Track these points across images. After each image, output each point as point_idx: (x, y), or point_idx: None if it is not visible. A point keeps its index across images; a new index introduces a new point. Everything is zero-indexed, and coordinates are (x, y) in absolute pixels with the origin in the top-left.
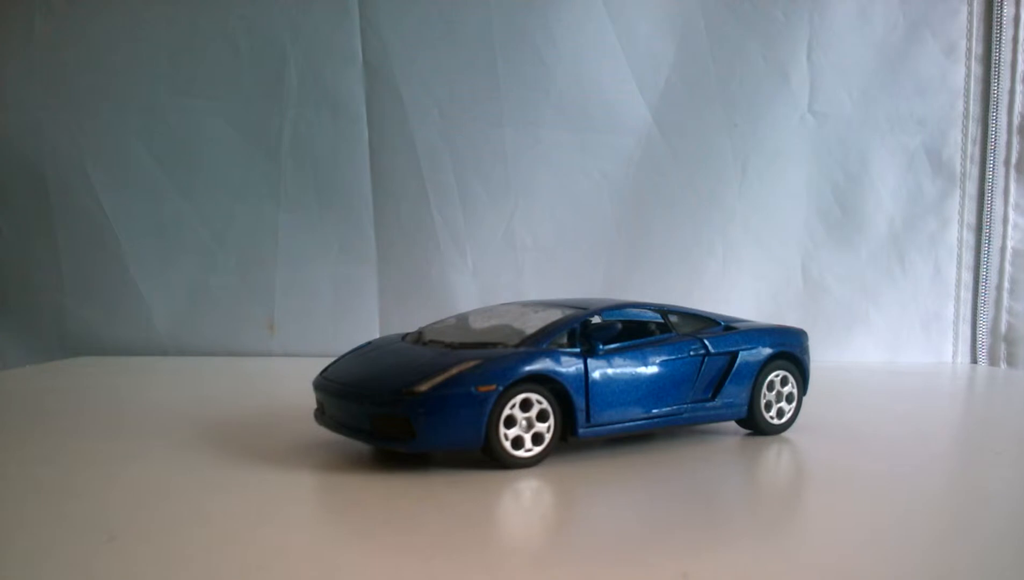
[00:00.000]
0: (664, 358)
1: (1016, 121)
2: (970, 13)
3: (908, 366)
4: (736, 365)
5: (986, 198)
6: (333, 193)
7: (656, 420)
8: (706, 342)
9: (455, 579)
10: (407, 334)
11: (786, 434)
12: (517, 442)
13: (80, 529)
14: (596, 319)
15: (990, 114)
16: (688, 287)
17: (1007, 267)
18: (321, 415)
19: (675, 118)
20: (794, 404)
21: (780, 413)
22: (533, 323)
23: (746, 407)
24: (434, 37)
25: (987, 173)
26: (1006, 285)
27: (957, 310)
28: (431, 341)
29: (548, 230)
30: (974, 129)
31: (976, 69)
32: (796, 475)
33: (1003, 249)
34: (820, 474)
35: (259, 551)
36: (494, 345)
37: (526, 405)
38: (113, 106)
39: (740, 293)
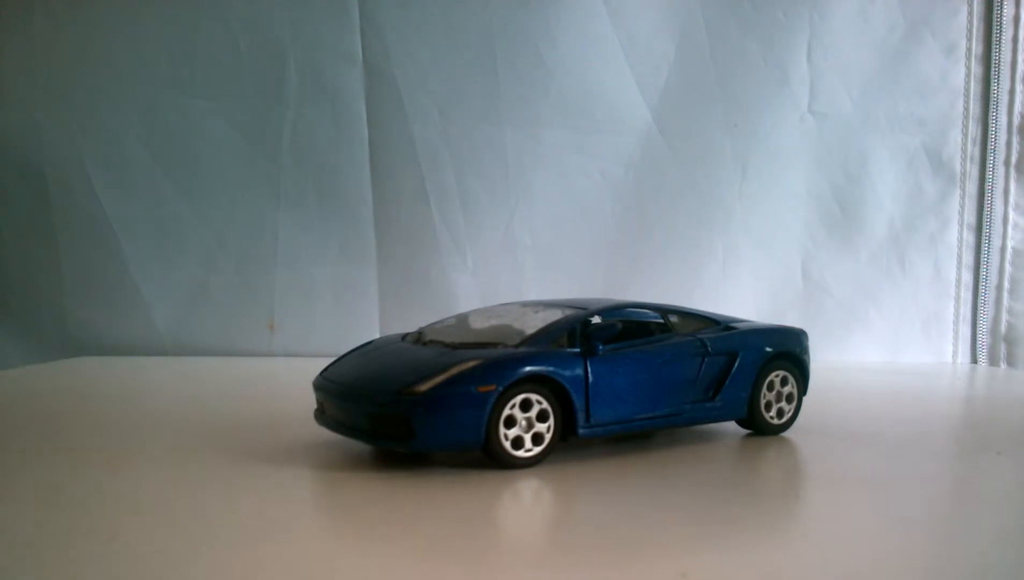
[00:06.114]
0: (664, 358)
1: (1016, 121)
2: (970, 13)
3: (908, 366)
4: (736, 365)
5: (986, 198)
6: (333, 193)
7: (656, 420)
8: (706, 342)
9: (455, 579)
10: (407, 334)
11: (786, 434)
12: (517, 442)
13: (80, 529)
14: (596, 319)
15: (990, 114)
16: (688, 287)
17: (1007, 267)
18: (321, 415)
19: (675, 118)
20: (794, 404)
21: (780, 413)
22: (533, 323)
23: (746, 407)
24: (434, 37)
25: (987, 173)
26: (1006, 285)
27: (957, 310)
28: (431, 341)
29: (548, 230)
30: (974, 129)
31: (976, 69)
32: (796, 475)
33: (1003, 249)
34: (820, 474)
35: (259, 551)
36: (494, 345)
37: (526, 405)
38: (113, 106)
39: (740, 293)
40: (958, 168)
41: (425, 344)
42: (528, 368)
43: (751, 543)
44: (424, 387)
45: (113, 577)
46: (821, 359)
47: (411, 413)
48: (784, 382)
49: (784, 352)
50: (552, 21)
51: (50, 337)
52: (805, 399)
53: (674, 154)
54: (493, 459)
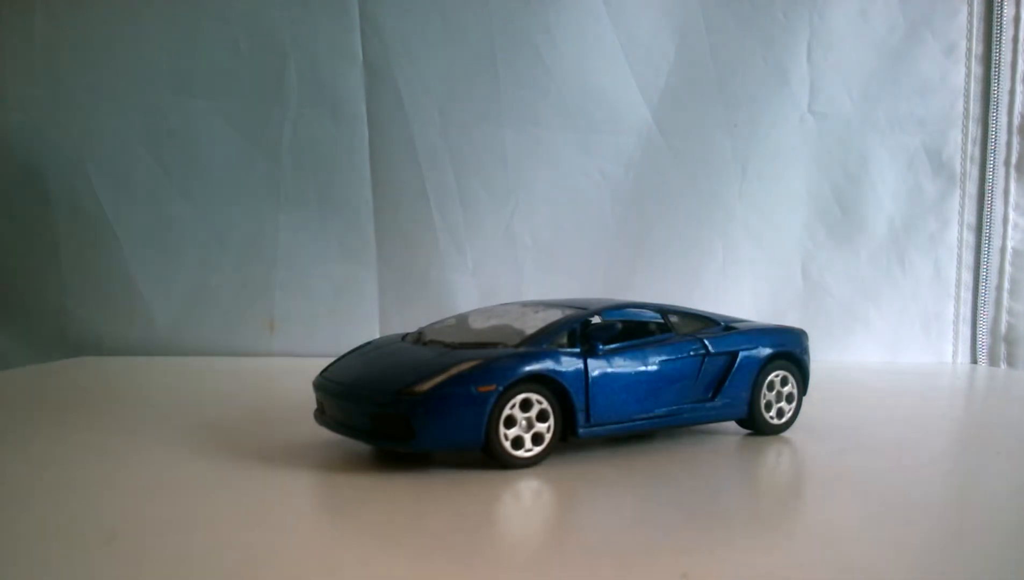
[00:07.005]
0: (664, 358)
1: (1016, 121)
2: (970, 13)
3: (908, 366)
4: (736, 365)
5: (986, 198)
6: (333, 193)
7: (656, 420)
8: (706, 342)
9: (455, 579)
10: (407, 334)
11: (786, 434)
12: (517, 442)
13: (80, 529)
14: (596, 319)
15: (990, 114)
16: (688, 287)
17: (1007, 267)
18: (321, 415)
19: (675, 118)
20: (794, 404)
21: (780, 413)
22: (533, 323)
23: (746, 407)
24: (434, 37)
25: (987, 173)
26: (1006, 285)
27: (957, 310)
28: (431, 341)
29: (548, 230)
30: (974, 129)
31: (976, 69)
32: (796, 475)
33: (1003, 249)
34: (820, 474)
35: (259, 551)
36: (494, 345)
37: (526, 405)
38: (113, 106)
39: (740, 293)
40: (958, 168)
41: (425, 344)
42: (528, 368)
43: (751, 543)
44: (424, 387)
45: (113, 577)
46: (821, 359)
47: (411, 413)
48: (784, 382)
49: (784, 352)
50: (552, 21)
51: (50, 337)
52: (805, 399)
53: (674, 154)
54: (493, 459)
